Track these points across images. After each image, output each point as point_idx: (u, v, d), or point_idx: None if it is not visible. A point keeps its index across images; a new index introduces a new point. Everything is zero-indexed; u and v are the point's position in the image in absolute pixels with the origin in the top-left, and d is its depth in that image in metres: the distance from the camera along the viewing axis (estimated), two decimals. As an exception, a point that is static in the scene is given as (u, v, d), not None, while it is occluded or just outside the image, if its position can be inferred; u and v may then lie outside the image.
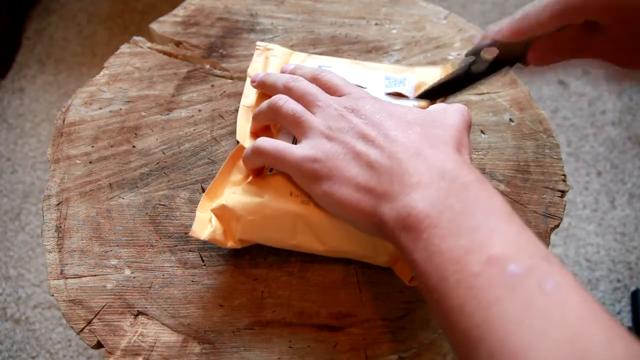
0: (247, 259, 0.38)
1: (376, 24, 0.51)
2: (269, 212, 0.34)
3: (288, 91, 0.36)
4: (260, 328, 0.36)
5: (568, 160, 1.01)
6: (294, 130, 0.35)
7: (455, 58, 0.48)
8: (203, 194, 0.37)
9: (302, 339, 0.35)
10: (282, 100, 0.35)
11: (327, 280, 0.37)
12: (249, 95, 0.43)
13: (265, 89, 0.40)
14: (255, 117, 0.39)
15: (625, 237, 0.93)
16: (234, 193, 0.35)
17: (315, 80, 0.37)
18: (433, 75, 0.43)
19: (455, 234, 0.25)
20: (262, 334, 0.35)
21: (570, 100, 1.07)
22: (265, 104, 0.37)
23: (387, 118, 0.32)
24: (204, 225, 0.35)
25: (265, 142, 0.34)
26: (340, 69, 0.43)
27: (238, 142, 0.39)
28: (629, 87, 1.08)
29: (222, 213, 0.35)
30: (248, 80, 0.43)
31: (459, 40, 0.50)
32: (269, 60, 0.44)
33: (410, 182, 0.28)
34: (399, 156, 0.29)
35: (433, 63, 0.48)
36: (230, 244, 0.35)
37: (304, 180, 0.33)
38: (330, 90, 0.36)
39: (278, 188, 0.35)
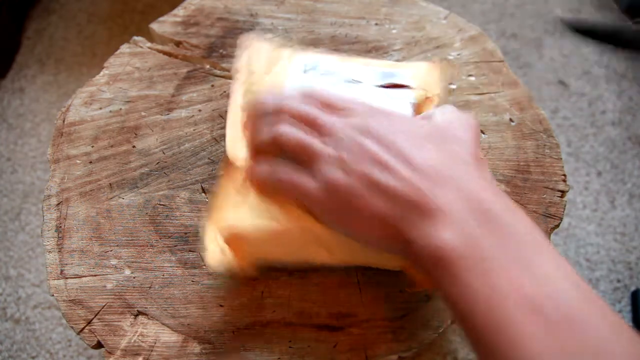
0: (247, 259, 0.38)
1: (376, 24, 0.51)
2: (280, 233, 0.33)
3: (285, 132, 0.32)
4: (260, 328, 0.36)
5: (568, 160, 1.01)
6: (304, 162, 0.31)
7: (455, 58, 0.48)
8: (208, 223, 0.35)
9: (302, 339, 0.35)
10: (284, 136, 0.32)
11: (327, 280, 0.37)
12: (237, 95, 0.39)
13: (257, 143, 0.34)
14: (256, 145, 0.34)
15: (625, 237, 0.93)
16: (241, 215, 0.34)
17: (308, 101, 0.33)
18: (423, 69, 0.41)
19: (486, 270, 0.25)
20: (262, 334, 0.35)
21: (570, 100, 1.07)
22: (266, 136, 0.33)
23: (400, 137, 0.30)
24: (218, 256, 0.33)
25: (280, 173, 0.32)
26: (330, 64, 0.41)
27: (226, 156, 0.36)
28: (629, 87, 1.08)
29: (233, 240, 0.33)
30: (236, 80, 0.40)
31: (459, 40, 0.50)
32: (253, 58, 0.41)
33: (436, 214, 0.27)
34: (420, 185, 0.28)
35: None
36: (245, 270, 0.34)
37: (319, 214, 0.31)
38: (331, 108, 0.32)
39: (286, 206, 0.33)
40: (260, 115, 0.34)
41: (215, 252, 0.33)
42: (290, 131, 0.32)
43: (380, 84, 0.39)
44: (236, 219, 0.33)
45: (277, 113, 0.33)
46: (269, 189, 0.33)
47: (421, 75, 0.40)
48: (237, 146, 0.37)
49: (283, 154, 0.32)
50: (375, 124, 0.31)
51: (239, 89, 0.40)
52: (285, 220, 0.33)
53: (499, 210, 0.26)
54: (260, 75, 0.39)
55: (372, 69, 0.41)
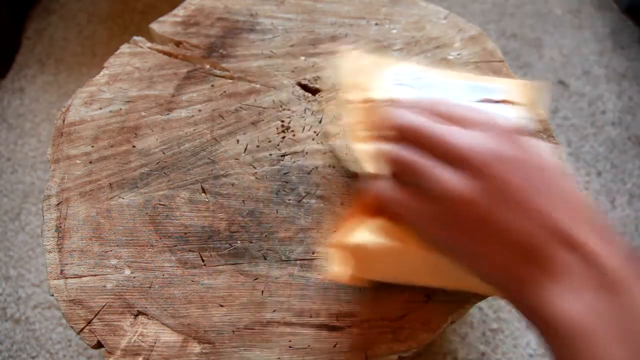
0: (247, 259, 0.38)
1: (376, 24, 0.51)
2: (394, 255, 0.32)
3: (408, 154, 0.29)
4: (260, 328, 0.36)
5: (568, 160, 1.01)
6: (420, 185, 0.28)
7: (455, 58, 0.48)
8: (334, 232, 0.34)
9: (302, 339, 0.35)
10: (395, 158, 0.29)
11: (327, 280, 0.37)
12: (350, 113, 0.37)
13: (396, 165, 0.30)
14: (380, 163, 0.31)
15: (625, 237, 0.93)
16: (365, 233, 0.33)
17: (431, 114, 0.29)
18: (516, 86, 0.39)
19: (609, 348, 0.22)
20: (262, 334, 0.35)
21: (570, 100, 1.07)
22: (384, 155, 0.30)
23: (532, 174, 0.26)
24: (339, 266, 0.33)
25: (395, 193, 0.29)
26: (424, 77, 0.39)
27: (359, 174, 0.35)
28: (629, 87, 1.08)
29: (355, 253, 0.33)
30: (344, 97, 0.38)
31: (459, 40, 0.50)
32: (360, 71, 0.39)
33: (562, 277, 0.24)
34: (550, 240, 0.25)
35: (433, 63, 0.48)
36: (359, 283, 0.34)
37: (431, 242, 0.29)
38: (450, 120, 0.29)
39: (405, 228, 0.32)
40: (378, 132, 0.31)
41: (338, 261, 0.33)
42: (402, 153, 0.28)
43: (478, 99, 0.37)
44: (357, 236, 0.32)
45: (392, 130, 0.30)
46: (386, 209, 0.31)
47: (516, 92, 0.38)
48: (365, 163, 0.35)
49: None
50: (505, 148, 0.27)
51: (348, 104, 0.38)
52: (401, 243, 0.31)
53: (627, 282, 0.24)
54: (361, 90, 0.38)
55: (467, 83, 0.39)
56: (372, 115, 0.34)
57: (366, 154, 0.34)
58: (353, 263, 0.33)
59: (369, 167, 0.34)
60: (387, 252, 0.32)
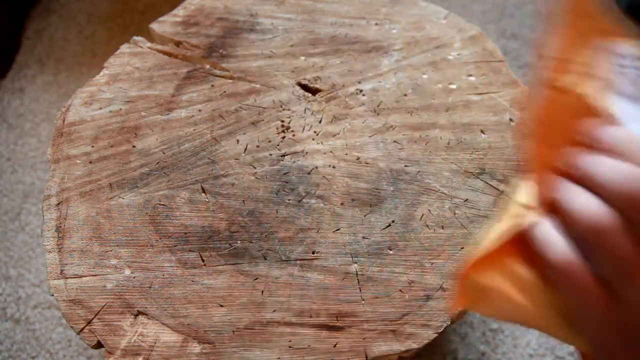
0: (247, 259, 0.38)
1: (376, 24, 0.51)
2: (523, 308, 0.28)
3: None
4: (260, 328, 0.36)
5: None
6: (621, 291, 0.21)
7: (455, 58, 0.48)
8: (466, 261, 0.29)
9: (302, 339, 0.35)
10: (591, 227, 0.21)
11: (327, 280, 0.37)
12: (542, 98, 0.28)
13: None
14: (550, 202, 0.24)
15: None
16: (499, 277, 0.28)
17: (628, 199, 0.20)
18: None
19: None
20: (262, 334, 0.35)
21: (570, 100, 1.07)
22: (567, 204, 0.23)
23: None
24: (460, 298, 0.29)
25: (561, 263, 0.23)
26: None
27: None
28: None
29: (481, 292, 0.29)
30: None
31: (459, 40, 0.50)
32: (576, 38, 0.27)
33: None
34: None
35: (433, 63, 0.48)
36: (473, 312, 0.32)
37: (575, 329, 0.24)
38: None
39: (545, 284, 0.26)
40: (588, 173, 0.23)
41: (459, 295, 0.29)
42: (617, 240, 0.20)
43: None
44: (489, 277, 0.27)
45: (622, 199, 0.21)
46: (541, 267, 0.24)
47: None
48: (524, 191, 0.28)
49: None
50: None
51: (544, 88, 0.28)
52: (534, 306, 0.26)
53: None
54: (569, 73, 0.27)
55: None
56: (577, 121, 0.25)
57: (539, 158, 0.26)
58: (475, 299, 0.29)
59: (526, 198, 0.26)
60: (513, 303, 0.27)
